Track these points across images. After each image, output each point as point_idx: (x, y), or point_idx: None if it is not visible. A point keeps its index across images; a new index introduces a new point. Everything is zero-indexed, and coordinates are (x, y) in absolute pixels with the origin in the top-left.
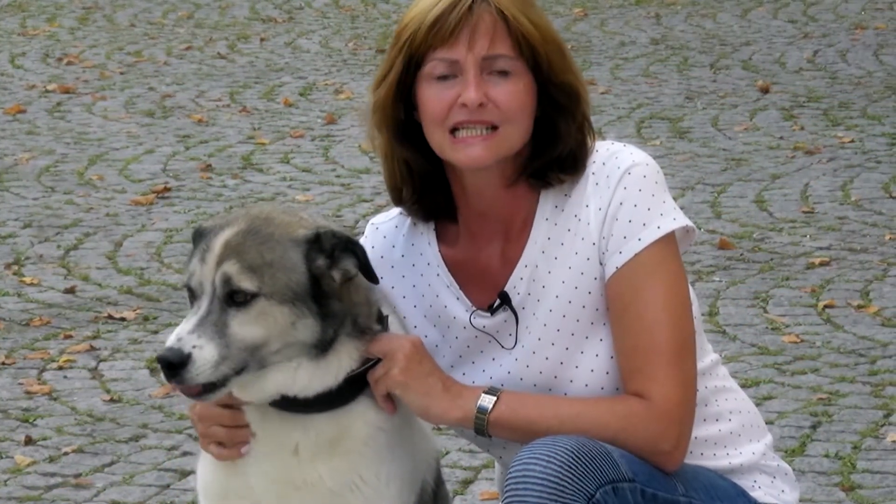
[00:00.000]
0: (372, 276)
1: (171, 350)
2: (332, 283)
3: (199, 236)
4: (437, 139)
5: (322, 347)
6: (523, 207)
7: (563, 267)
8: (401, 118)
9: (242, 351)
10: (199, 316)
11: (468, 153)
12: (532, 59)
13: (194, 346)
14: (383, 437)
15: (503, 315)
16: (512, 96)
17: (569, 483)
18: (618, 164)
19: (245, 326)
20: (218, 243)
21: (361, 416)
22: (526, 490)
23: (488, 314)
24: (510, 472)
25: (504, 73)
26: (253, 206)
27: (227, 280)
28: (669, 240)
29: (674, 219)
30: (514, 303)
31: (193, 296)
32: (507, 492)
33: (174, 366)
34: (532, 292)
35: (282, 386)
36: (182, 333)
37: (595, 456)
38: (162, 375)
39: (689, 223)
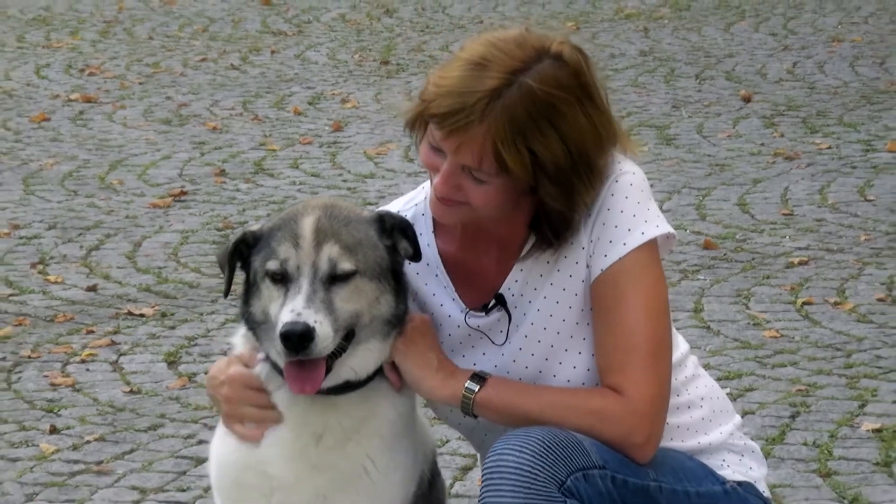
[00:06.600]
0: (418, 255)
1: (296, 323)
2: (400, 260)
3: (272, 233)
4: (430, 180)
5: (395, 324)
6: (520, 232)
7: (553, 269)
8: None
9: (345, 325)
10: (305, 295)
11: (437, 211)
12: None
13: (315, 321)
14: (401, 423)
15: (497, 315)
16: (483, 199)
17: (540, 471)
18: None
19: (346, 303)
20: (307, 229)
21: (388, 398)
22: (501, 479)
23: (483, 314)
24: (486, 463)
25: (479, 181)
26: (311, 198)
27: (332, 261)
28: (652, 245)
29: (657, 226)
30: (507, 303)
31: (285, 279)
32: (483, 482)
33: (303, 337)
34: (524, 293)
35: (357, 368)
36: (298, 308)
37: (566, 445)
38: (285, 356)
39: (671, 230)
